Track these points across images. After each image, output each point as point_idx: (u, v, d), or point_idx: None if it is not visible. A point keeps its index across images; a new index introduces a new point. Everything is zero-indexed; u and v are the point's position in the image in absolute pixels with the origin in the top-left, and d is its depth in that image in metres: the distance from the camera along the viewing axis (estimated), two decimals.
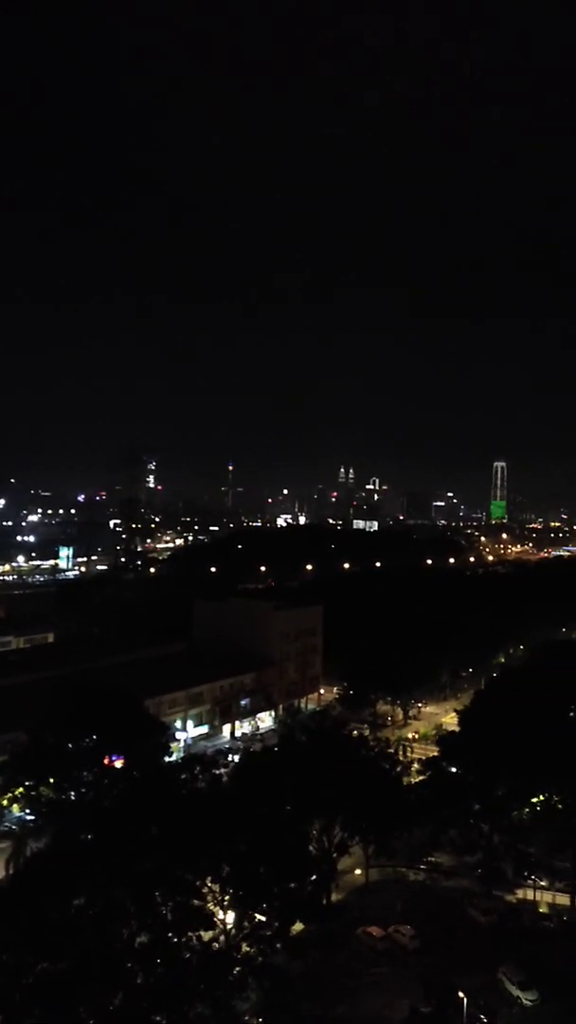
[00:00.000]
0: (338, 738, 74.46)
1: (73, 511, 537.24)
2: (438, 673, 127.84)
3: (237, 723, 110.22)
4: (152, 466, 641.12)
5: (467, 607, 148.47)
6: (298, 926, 54.26)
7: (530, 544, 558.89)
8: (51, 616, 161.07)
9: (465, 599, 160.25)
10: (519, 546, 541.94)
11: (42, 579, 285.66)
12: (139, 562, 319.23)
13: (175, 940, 45.69)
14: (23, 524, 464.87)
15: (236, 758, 74.57)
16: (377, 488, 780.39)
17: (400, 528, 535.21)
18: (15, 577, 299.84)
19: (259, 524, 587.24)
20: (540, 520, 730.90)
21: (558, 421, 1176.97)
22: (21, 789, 66.63)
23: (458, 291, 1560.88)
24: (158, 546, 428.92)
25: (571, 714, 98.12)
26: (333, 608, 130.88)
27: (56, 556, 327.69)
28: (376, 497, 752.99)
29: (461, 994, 49.47)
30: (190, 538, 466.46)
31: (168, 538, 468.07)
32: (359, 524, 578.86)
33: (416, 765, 76.33)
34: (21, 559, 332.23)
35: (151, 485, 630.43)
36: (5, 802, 67.96)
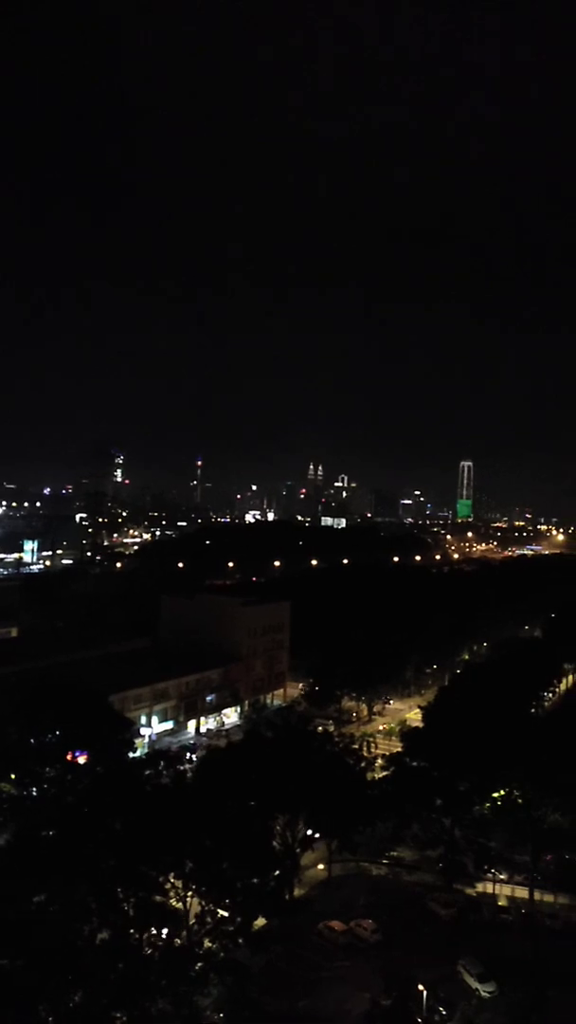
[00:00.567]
0: (303, 734, 74.76)
1: (39, 504, 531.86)
2: (403, 670, 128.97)
3: (203, 719, 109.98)
4: (120, 460, 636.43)
5: (432, 605, 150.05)
6: (260, 921, 54.43)
7: (495, 543, 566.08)
8: (15, 610, 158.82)
9: (430, 597, 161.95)
10: (484, 545, 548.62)
11: (5, 572, 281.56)
12: (106, 557, 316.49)
13: (137, 937, 45.59)
14: None
15: (201, 754, 74.42)
16: (346, 485, 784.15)
17: (368, 525, 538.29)
18: None
19: (228, 520, 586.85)
20: (505, 519, 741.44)
21: (524, 423, 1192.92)
22: None
23: (428, 293, 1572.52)
24: (125, 541, 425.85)
25: (532, 710, 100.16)
26: (300, 605, 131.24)
27: (20, 550, 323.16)
28: (344, 494, 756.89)
29: (421, 987, 50.10)
30: (158, 533, 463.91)
31: (135, 533, 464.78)
32: (327, 521, 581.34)
33: (380, 761, 76.85)
34: None
35: (118, 479, 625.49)
36: None
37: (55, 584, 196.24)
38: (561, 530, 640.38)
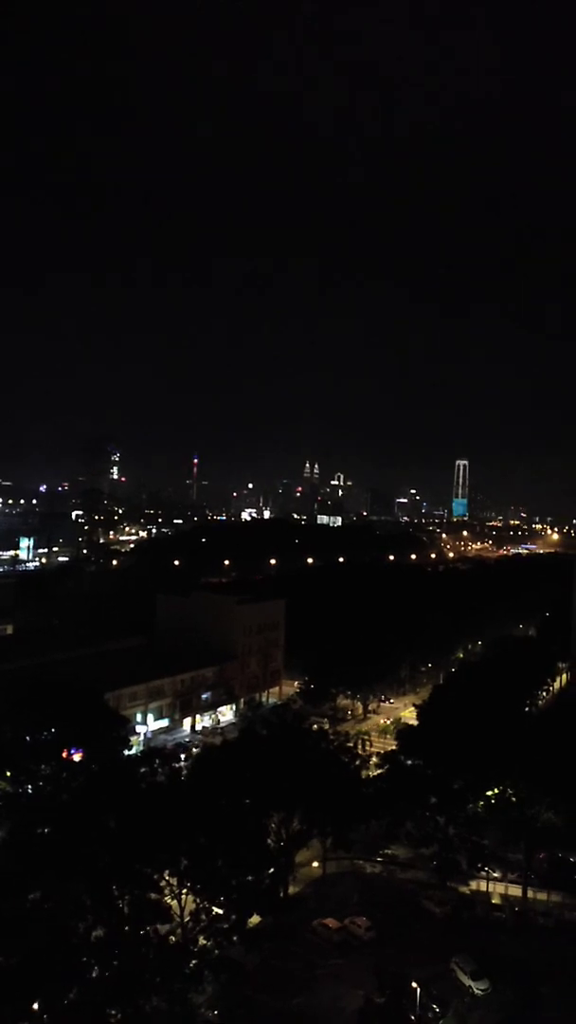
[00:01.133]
0: (298, 732, 74.94)
1: (35, 501, 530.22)
2: (398, 668, 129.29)
3: (198, 717, 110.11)
4: (116, 457, 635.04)
5: (427, 603, 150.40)
6: (255, 918, 54.67)
7: (490, 542, 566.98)
8: (10, 608, 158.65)
9: (425, 595, 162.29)
10: (479, 544, 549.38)
11: (1, 570, 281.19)
12: (102, 554, 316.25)
13: (131, 934, 45.71)
14: None
15: (196, 752, 74.58)
16: (342, 484, 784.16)
17: (364, 524, 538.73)
18: None
19: (224, 518, 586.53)
20: (500, 518, 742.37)
21: (520, 422, 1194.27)
22: None
23: (424, 291, 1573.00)
24: (121, 538, 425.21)
25: (526, 708, 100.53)
26: (296, 602, 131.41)
27: (16, 547, 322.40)
28: (340, 493, 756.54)
29: (414, 984, 50.33)
30: (154, 531, 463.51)
31: (131, 530, 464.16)
32: (323, 519, 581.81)
33: (375, 759, 77.12)
34: None
35: (114, 476, 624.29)
36: None
37: (51, 582, 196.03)
38: (556, 529, 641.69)
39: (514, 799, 68.27)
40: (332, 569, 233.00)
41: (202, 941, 48.84)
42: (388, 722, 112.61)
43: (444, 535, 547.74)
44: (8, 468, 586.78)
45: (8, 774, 65.69)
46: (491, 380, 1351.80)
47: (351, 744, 77.44)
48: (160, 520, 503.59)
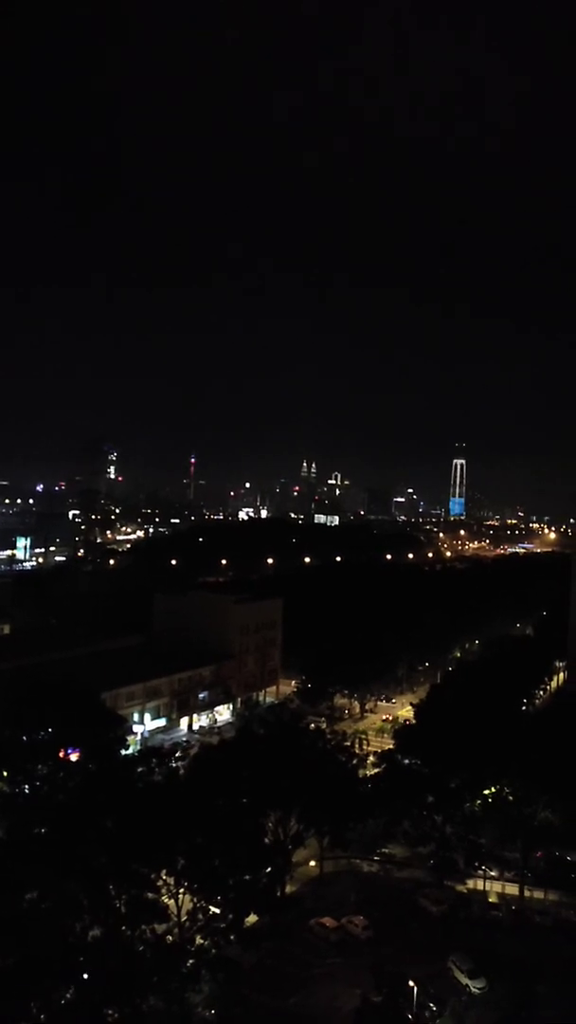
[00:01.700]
0: (295, 731, 75.01)
1: (31, 501, 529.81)
2: (395, 667, 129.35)
3: (195, 716, 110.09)
4: (113, 457, 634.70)
5: (424, 602, 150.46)
6: (252, 918, 54.60)
7: (487, 541, 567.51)
8: (7, 607, 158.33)
9: (423, 594, 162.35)
10: (476, 543, 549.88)
11: None
12: (99, 554, 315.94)
13: (128, 933, 45.66)
14: None
15: (194, 751, 74.50)
16: (339, 483, 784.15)
17: (361, 523, 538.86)
18: None
19: (221, 517, 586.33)
20: (497, 517, 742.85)
21: (517, 421, 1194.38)
22: None
23: (422, 289, 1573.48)
24: (118, 538, 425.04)
25: (523, 708, 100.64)
26: (293, 602, 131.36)
27: (13, 547, 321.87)
28: (337, 492, 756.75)
29: (412, 983, 50.33)
30: (151, 530, 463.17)
31: (128, 530, 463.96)
32: (320, 519, 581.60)
33: (372, 758, 77.19)
34: None
35: (111, 476, 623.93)
36: None
37: (48, 581, 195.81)
38: (553, 528, 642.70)
39: (511, 798, 68.35)
40: (329, 568, 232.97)
41: (199, 940, 48.80)
42: (385, 721, 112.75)
43: (441, 534, 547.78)
44: (5, 468, 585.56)
45: (5, 774, 65.57)
46: (489, 379, 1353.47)
47: (348, 743, 77.52)
48: (157, 520, 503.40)
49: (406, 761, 72.67)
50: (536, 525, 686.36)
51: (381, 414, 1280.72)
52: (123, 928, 45.80)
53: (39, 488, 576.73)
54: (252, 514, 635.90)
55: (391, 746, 77.82)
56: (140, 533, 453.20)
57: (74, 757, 69.96)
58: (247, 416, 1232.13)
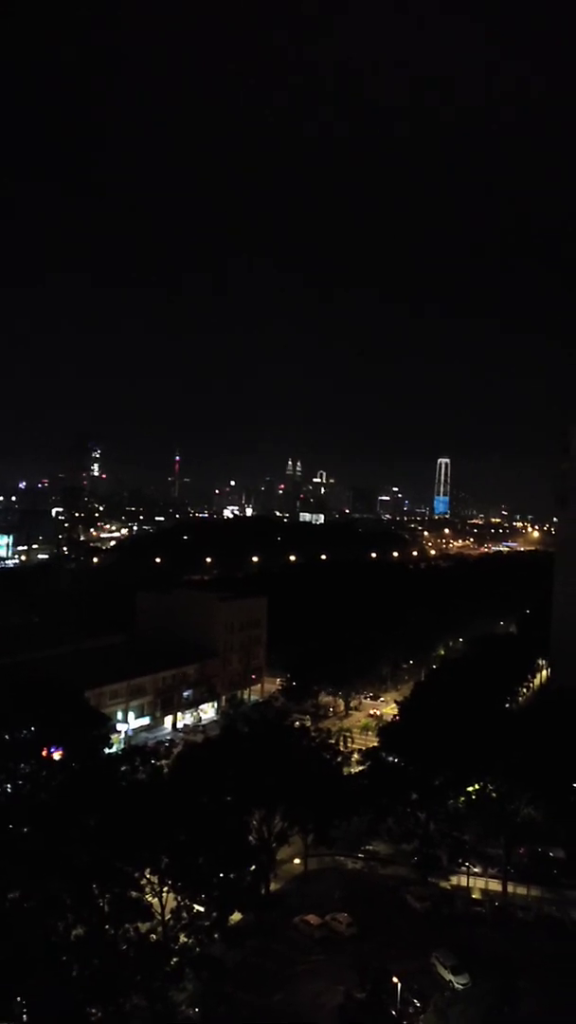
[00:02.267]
0: (280, 729, 74.90)
1: (14, 498, 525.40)
2: (380, 665, 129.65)
3: (179, 714, 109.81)
4: (97, 454, 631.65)
5: (409, 600, 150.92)
6: (236, 916, 54.55)
7: (471, 539, 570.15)
8: None
9: (407, 593, 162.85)
10: (461, 541, 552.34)
11: None
12: (82, 552, 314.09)
13: (112, 932, 45.45)
14: None
15: (178, 749, 74.32)
16: (324, 481, 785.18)
17: (346, 521, 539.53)
18: None
19: (206, 515, 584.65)
20: (481, 516, 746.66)
21: (501, 420, 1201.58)
22: None
23: (409, 289, 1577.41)
24: (102, 536, 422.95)
25: (506, 705, 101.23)
26: (278, 600, 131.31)
27: None
28: (323, 490, 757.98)
29: (395, 979, 50.48)
30: (135, 528, 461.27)
31: (112, 528, 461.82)
32: (306, 517, 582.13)
33: (356, 755, 77.31)
34: None
35: (95, 473, 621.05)
36: None
37: (30, 579, 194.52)
38: (536, 527, 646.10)
39: (494, 795, 68.76)
40: (314, 567, 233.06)
41: (183, 939, 48.66)
42: (372, 716, 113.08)
43: (426, 533, 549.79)
44: None
45: None
46: (474, 378, 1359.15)
47: (333, 741, 77.54)
48: (141, 517, 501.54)
49: (390, 759, 72.85)
50: (520, 524, 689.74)
51: (366, 413, 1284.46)
52: (106, 927, 45.56)
53: (22, 485, 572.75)
54: (237, 512, 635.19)
55: (376, 744, 77.99)
56: (124, 531, 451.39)
57: (57, 756, 69.53)
58: (233, 415, 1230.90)
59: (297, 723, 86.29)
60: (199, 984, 48.85)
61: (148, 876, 50.08)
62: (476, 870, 69.86)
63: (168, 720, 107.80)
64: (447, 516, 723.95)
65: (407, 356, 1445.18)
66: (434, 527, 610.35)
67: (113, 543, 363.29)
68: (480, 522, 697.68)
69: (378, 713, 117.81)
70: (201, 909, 50.38)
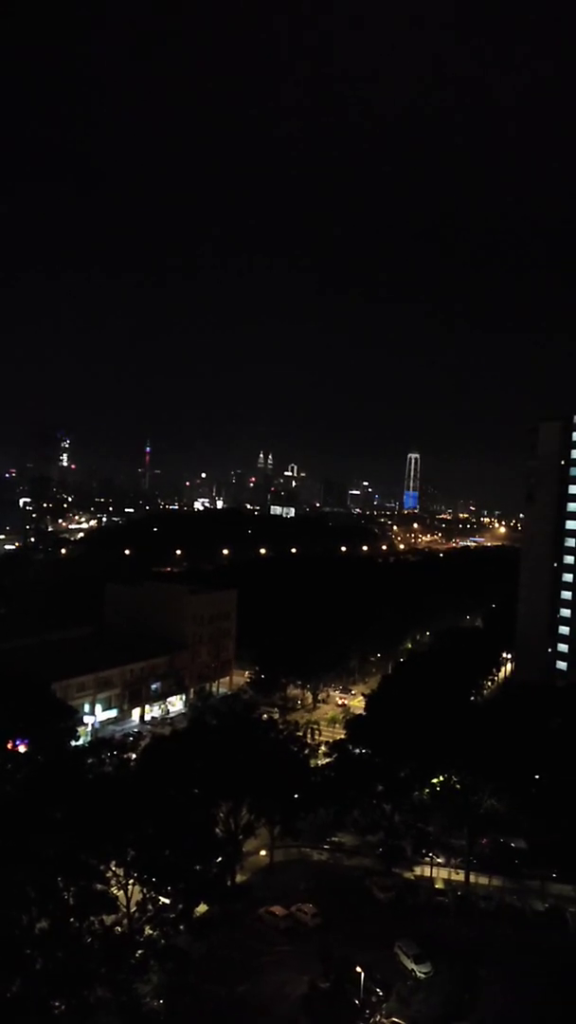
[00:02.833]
0: (248, 722, 75.07)
1: None
2: (348, 658, 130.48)
3: (147, 707, 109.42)
4: (66, 444, 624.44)
5: (377, 594, 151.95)
6: (202, 907, 54.70)
7: (439, 534, 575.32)
8: None
9: (376, 586, 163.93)
10: (429, 536, 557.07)
11: None
12: (50, 543, 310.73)
13: (77, 925, 45.29)
14: None
15: (145, 742, 74.14)
16: (295, 475, 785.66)
17: (317, 515, 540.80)
18: None
19: (176, 507, 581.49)
20: (450, 511, 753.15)
21: (470, 417, 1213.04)
22: None
23: (383, 284, 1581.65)
24: (70, 527, 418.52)
25: (471, 698, 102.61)
26: (248, 593, 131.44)
27: None
28: (294, 484, 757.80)
29: (359, 969, 51.06)
30: (104, 519, 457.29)
31: (81, 519, 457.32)
32: (276, 510, 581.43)
33: (323, 748, 77.82)
34: None
35: (64, 464, 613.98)
36: None
37: None
38: (503, 523, 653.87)
39: (458, 787, 69.69)
40: (284, 560, 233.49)
41: (148, 931, 48.71)
42: (341, 706, 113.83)
43: (395, 527, 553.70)
44: None
45: None
46: (444, 374, 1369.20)
47: (300, 734, 77.95)
48: (111, 509, 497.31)
49: (357, 751, 73.45)
50: (487, 519, 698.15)
51: (337, 407, 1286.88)
52: (71, 920, 45.40)
53: None
54: (208, 504, 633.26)
55: (343, 736, 78.56)
56: (93, 522, 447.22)
57: (23, 748, 68.90)
58: (204, 406, 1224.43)
59: (265, 716, 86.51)
60: (164, 976, 48.94)
61: (114, 869, 50.02)
62: (439, 861, 70.87)
63: (136, 713, 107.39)
64: (416, 511, 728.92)
65: (379, 351, 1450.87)
66: (403, 521, 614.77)
67: (82, 534, 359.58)
68: (448, 517, 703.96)
69: (345, 703, 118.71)
70: (167, 901, 50.43)
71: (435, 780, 70.99)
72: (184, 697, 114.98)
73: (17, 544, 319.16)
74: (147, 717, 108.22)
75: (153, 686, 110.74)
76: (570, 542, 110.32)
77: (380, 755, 70.46)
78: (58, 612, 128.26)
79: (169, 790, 56.56)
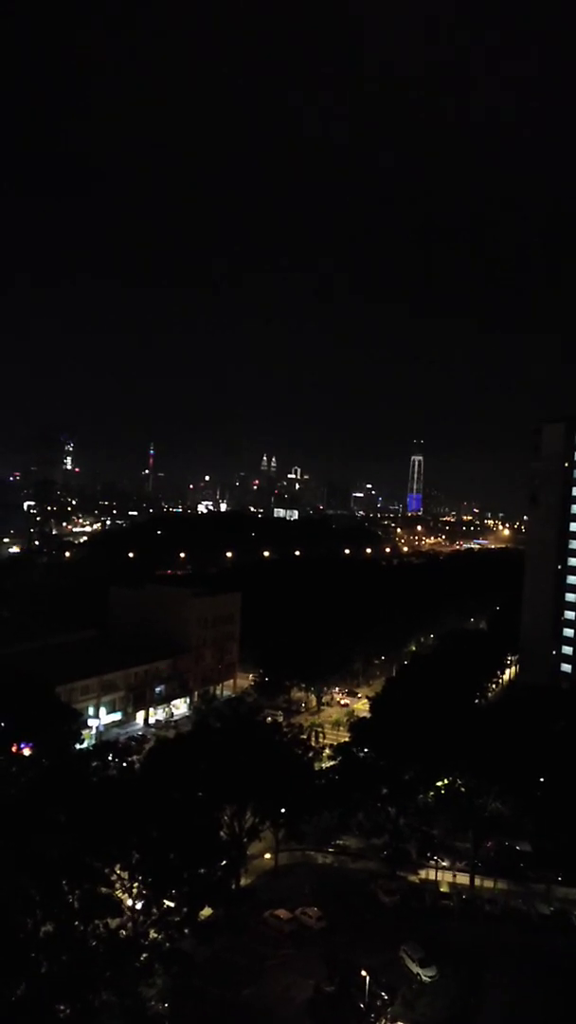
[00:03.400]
0: (252, 724, 75.10)
1: None
2: (352, 661, 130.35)
3: (151, 710, 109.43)
4: (70, 447, 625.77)
5: (381, 597, 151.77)
6: (206, 911, 54.63)
7: (443, 536, 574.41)
8: None
9: (380, 589, 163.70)
10: (433, 538, 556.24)
11: None
12: (54, 546, 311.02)
13: (81, 928, 45.27)
14: None
15: (149, 745, 74.21)
16: (298, 477, 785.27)
17: (320, 518, 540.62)
18: None
19: (180, 510, 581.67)
20: (453, 513, 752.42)
21: (473, 419, 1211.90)
22: None
23: (387, 286, 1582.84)
24: (74, 530, 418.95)
25: (476, 701, 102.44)
26: (251, 596, 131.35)
27: None
28: (297, 486, 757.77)
29: (364, 972, 50.94)
30: (108, 522, 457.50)
31: (85, 522, 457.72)
32: (280, 512, 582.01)
33: (328, 751, 77.72)
34: None
35: (68, 467, 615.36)
36: None
37: (1, 573, 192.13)
38: (507, 525, 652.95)
39: (463, 789, 69.54)
40: (288, 562, 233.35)
41: (153, 934, 48.64)
42: (341, 714, 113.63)
43: (399, 529, 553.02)
44: None
45: None
46: (448, 377, 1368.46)
47: (304, 736, 77.92)
48: (115, 512, 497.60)
49: (361, 754, 73.34)
50: (491, 521, 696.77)
51: (341, 410, 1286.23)
52: (76, 923, 45.38)
53: None
54: (211, 507, 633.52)
55: (347, 739, 78.45)
56: (97, 525, 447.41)
57: (27, 752, 69.01)
58: (208, 410, 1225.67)
59: (269, 719, 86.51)
60: (169, 979, 48.87)
61: (118, 872, 49.97)
62: (444, 864, 70.68)
63: (140, 716, 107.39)
64: (420, 513, 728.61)
65: (382, 353, 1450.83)
66: (407, 524, 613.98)
67: (85, 537, 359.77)
68: (452, 519, 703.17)
69: (349, 706, 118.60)
70: (171, 904, 50.35)
71: (440, 783, 70.82)
72: (188, 700, 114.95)
73: (21, 547, 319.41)
74: (151, 720, 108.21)
75: (157, 689, 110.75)
76: (574, 544, 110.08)
77: (384, 758, 70.32)
78: (62, 615, 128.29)
79: (173, 793, 56.53)
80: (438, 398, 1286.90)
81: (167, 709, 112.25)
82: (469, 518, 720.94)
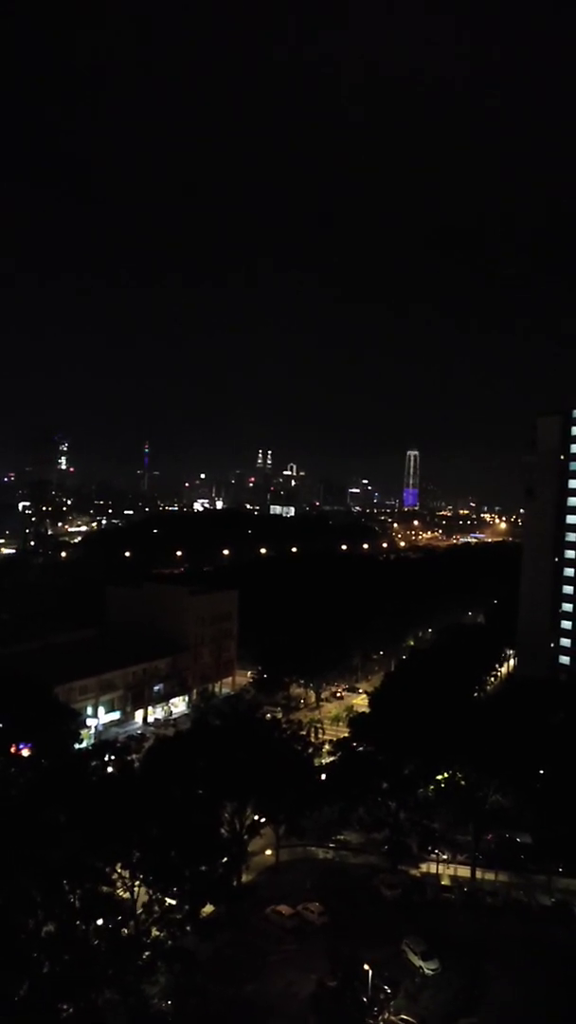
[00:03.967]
0: (251, 721, 75.12)
1: None
2: (350, 656, 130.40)
3: (150, 708, 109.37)
4: (64, 447, 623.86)
5: (379, 592, 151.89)
6: (208, 908, 54.65)
7: (440, 531, 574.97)
8: None
9: (377, 584, 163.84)
10: (430, 533, 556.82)
11: None
12: (50, 546, 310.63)
13: (83, 928, 45.25)
14: None
15: (148, 743, 74.19)
16: (294, 474, 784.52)
17: (316, 514, 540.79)
18: None
19: (176, 508, 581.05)
20: (450, 508, 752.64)
21: (469, 412, 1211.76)
22: None
23: (380, 283, 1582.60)
24: (70, 529, 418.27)
25: (474, 694, 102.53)
26: (249, 593, 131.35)
27: None
28: (293, 483, 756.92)
29: (366, 967, 51.00)
30: (104, 522, 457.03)
31: (81, 521, 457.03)
32: (276, 509, 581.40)
33: (327, 746, 77.73)
34: None
35: (63, 467, 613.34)
36: None
37: None
38: (504, 518, 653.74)
39: (463, 783, 69.64)
40: (285, 559, 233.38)
41: (155, 932, 48.66)
42: (341, 709, 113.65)
43: (395, 524, 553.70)
44: None
45: None
46: (442, 372, 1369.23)
47: (304, 732, 77.88)
48: (110, 511, 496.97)
49: (361, 749, 73.37)
50: (488, 515, 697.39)
51: (336, 406, 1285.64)
52: (77, 923, 45.35)
53: None
54: (207, 505, 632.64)
55: (346, 734, 78.48)
56: (93, 525, 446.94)
57: (26, 752, 68.91)
58: (202, 407, 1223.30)
59: (268, 715, 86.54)
60: (171, 977, 48.88)
61: (119, 871, 49.96)
62: (445, 857, 70.76)
63: (139, 714, 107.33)
64: (416, 508, 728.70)
65: (376, 349, 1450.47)
66: (403, 519, 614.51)
67: (81, 537, 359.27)
68: (448, 514, 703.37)
69: (348, 701, 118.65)
70: (173, 902, 50.37)
71: (440, 776, 70.91)
72: (187, 698, 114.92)
73: (16, 548, 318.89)
74: (150, 719, 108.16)
75: (156, 688, 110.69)
76: (571, 537, 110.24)
77: (384, 752, 70.38)
78: (59, 615, 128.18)
79: (173, 791, 56.52)
80: (434, 393, 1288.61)
81: (166, 707, 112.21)
82: (466, 512, 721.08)
